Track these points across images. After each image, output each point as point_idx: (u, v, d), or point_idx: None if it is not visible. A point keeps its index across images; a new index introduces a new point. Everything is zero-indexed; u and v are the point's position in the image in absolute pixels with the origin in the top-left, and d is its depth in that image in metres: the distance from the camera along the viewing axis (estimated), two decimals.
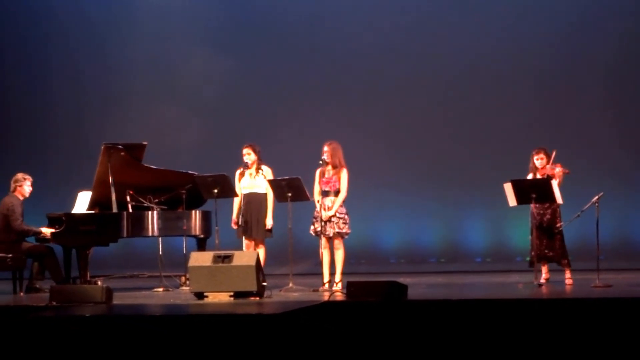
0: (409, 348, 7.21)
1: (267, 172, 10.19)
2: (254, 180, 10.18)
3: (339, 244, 9.83)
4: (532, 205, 9.76)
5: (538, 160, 9.87)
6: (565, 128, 12.95)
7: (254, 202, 10.14)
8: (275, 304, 8.42)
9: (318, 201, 9.83)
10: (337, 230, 9.77)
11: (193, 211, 10.56)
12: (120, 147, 10.15)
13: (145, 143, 10.30)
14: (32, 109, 14.55)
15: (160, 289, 10.20)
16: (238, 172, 10.28)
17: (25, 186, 10.37)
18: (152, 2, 14.49)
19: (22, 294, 10.07)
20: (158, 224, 10.19)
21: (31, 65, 14.63)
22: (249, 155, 10.18)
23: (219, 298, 8.76)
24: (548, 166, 9.78)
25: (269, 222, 10.14)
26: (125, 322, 7.20)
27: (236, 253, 8.97)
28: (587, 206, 9.55)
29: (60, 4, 14.61)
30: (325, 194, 9.82)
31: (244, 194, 10.18)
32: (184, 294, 9.68)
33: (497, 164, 12.85)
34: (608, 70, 13.22)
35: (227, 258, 8.88)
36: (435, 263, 13.60)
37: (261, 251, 9.92)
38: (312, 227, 9.91)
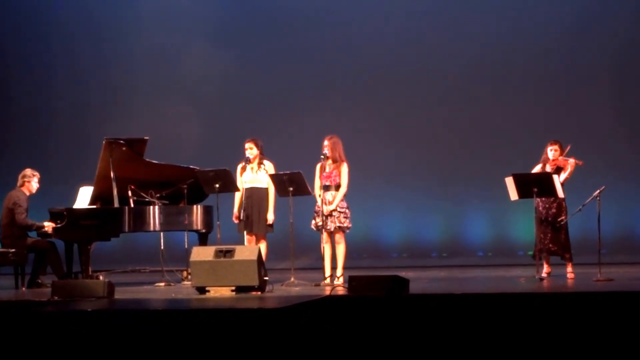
0: (411, 342, 7.21)
1: (269, 166, 10.19)
2: (255, 174, 10.17)
3: (340, 239, 9.83)
4: (537, 199, 9.77)
5: (552, 151, 9.89)
6: (568, 122, 12.93)
7: (255, 196, 10.14)
8: (277, 298, 8.42)
9: (319, 196, 9.83)
10: (338, 224, 9.77)
11: (194, 206, 10.56)
12: (121, 142, 10.15)
13: (146, 138, 10.29)
14: (34, 104, 14.56)
15: (162, 284, 10.21)
16: (240, 166, 10.27)
17: (33, 182, 10.40)
18: None
19: (24, 289, 10.09)
20: (159, 219, 10.19)
21: (33, 61, 14.63)
22: (251, 150, 10.17)
23: (220, 293, 8.76)
24: (561, 157, 9.79)
25: (270, 217, 10.14)
26: (127, 317, 7.20)
27: (238, 248, 8.98)
28: (588, 200, 9.55)
29: None
30: (326, 188, 9.82)
31: (246, 189, 10.17)
32: (185, 289, 9.69)
33: (498, 158, 12.86)
34: (612, 64, 13.21)
35: (229, 253, 8.88)
36: (437, 257, 13.60)
37: (262, 246, 9.91)
38: (313, 222, 9.91)
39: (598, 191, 9.46)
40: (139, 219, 10.12)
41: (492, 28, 13.55)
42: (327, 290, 8.81)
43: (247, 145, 10.20)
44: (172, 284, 10.24)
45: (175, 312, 7.51)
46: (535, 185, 9.52)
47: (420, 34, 13.74)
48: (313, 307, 7.68)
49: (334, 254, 9.85)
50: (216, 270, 8.81)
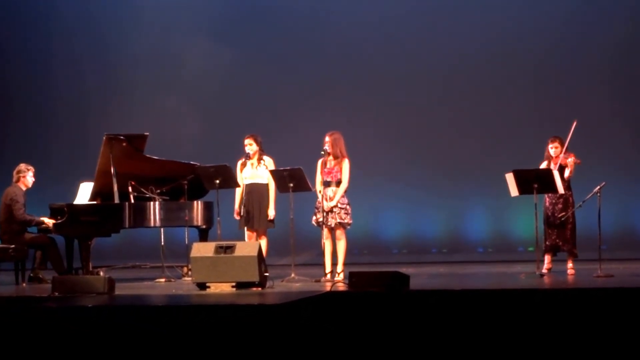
0: (411, 338, 7.22)
1: (269, 162, 10.19)
2: (255, 170, 10.17)
3: (340, 235, 9.82)
4: (545, 196, 9.77)
5: (553, 149, 9.90)
6: (569, 118, 12.83)
7: (255, 192, 10.13)
8: (277, 294, 8.43)
9: (320, 191, 9.83)
10: (338, 220, 9.77)
11: (195, 202, 10.56)
12: (122, 137, 10.15)
13: (146, 134, 10.29)
14: (34, 100, 14.56)
15: (162, 280, 10.21)
16: (240, 162, 10.27)
17: (28, 177, 10.39)
18: None
19: (24, 284, 10.08)
20: (160, 215, 10.19)
21: (33, 57, 14.62)
22: (250, 146, 10.17)
23: (221, 288, 8.76)
24: (561, 155, 9.80)
25: (271, 213, 10.14)
26: (127, 313, 7.20)
27: (238, 244, 8.97)
28: (589, 196, 9.55)
29: None
30: (326, 184, 9.82)
31: (246, 185, 10.17)
32: (186, 285, 9.69)
33: (499, 155, 12.85)
34: (611, 61, 13.19)
35: (229, 249, 8.88)
36: (437, 253, 13.60)
37: (263, 242, 9.91)
38: (314, 218, 9.91)
39: (598, 187, 9.46)
40: (139, 215, 10.12)
41: (493, 25, 13.53)
42: (328, 286, 8.80)
43: (247, 141, 10.20)
44: (172, 280, 10.23)
45: (176, 308, 7.50)
46: (536, 181, 9.52)
47: (421, 30, 13.71)
48: (313, 303, 7.69)
49: (335, 250, 9.85)
50: (216, 266, 8.81)
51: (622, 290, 7.85)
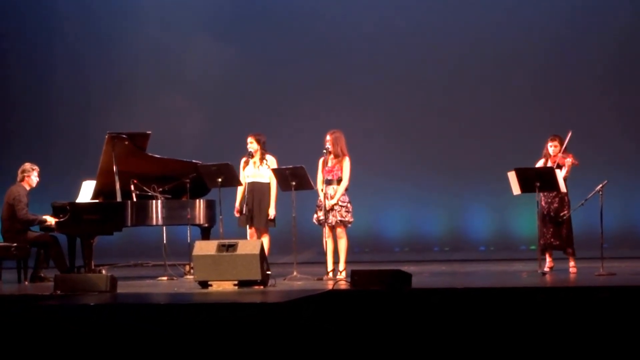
0: (413, 336, 7.22)
1: (272, 161, 10.19)
2: (257, 169, 10.18)
3: (341, 233, 9.83)
4: (540, 194, 9.76)
5: (552, 147, 9.89)
6: (569, 116, 12.90)
7: (257, 191, 10.14)
8: (279, 292, 8.43)
9: (321, 190, 9.84)
10: (339, 218, 9.77)
11: (197, 200, 10.56)
12: (124, 136, 10.15)
13: (149, 132, 10.29)
14: (36, 98, 14.56)
15: (165, 278, 10.22)
16: (243, 160, 10.28)
17: (32, 176, 10.40)
18: None
19: (26, 283, 10.10)
20: (162, 213, 10.20)
21: (34, 56, 14.63)
22: (252, 145, 10.18)
23: (223, 287, 8.76)
24: (560, 155, 9.79)
25: (272, 212, 10.14)
26: (129, 311, 7.21)
27: (240, 242, 8.97)
28: (591, 194, 9.54)
29: None
30: (328, 182, 9.82)
31: (248, 183, 10.18)
32: (188, 283, 9.70)
33: (500, 153, 12.85)
34: (611, 57, 13.18)
35: (231, 247, 8.88)
36: (439, 252, 13.60)
37: (265, 240, 9.92)
38: (315, 216, 9.92)
39: (600, 185, 9.45)
40: (142, 213, 10.12)
41: (493, 22, 13.53)
42: (330, 285, 8.81)
43: (249, 140, 10.22)
44: (174, 278, 10.24)
45: (178, 306, 7.51)
46: (538, 180, 9.52)
47: (422, 29, 13.71)
48: (315, 301, 7.69)
49: (336, 249, 9.86)
50: (219, 264, 8.81)
51: (623, 288, 7.85)
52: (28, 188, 10.36)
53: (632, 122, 13.09)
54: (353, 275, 8.36)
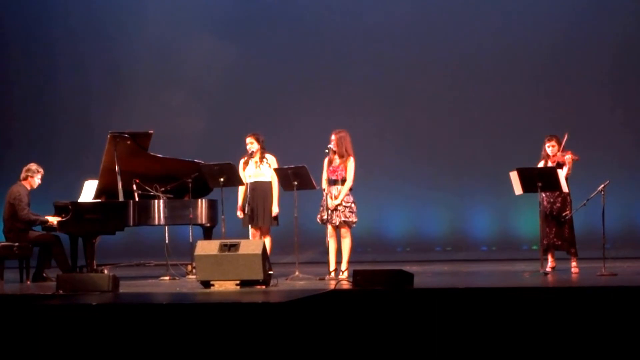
0: (415, 336, 7.22)
1: (272, 160, 10.20)
2: (258, 169, 10.18)
3: (345, 233, 9.83)
4: (542, 194, 9.75)
5: (549, 147, 9.89)
6: (571, 116, 12.91)
7: (259, 190, 10.14)
8: (281, 292, 8.42)
9: (325, 189, 9.83)
10: (343, 219, 9.77)
11: (199, 200, 10.57)
12: (126, 135, 10.16)
13: (151, 132, 10.30)
14: (39, 98, 14.58)
15: (167, 278, 10.22)
16: (242, 160, 10.28)
17: (35, 178, 10.39)
18: None
19: (29, 282, 10.10)
20: (164, 213, 10.20)
21: (36, 55, 14.65)
22: (251, 144, 10.19)
23: (225, 286, 8.76)
24: (559, 153, 9.79)
25: (275, 210, 10.14)
26: (131, 311, 7.21)
27: (242, 242, 8.97)
28: (593, 194, 9.53)
29: None
30: (332, 182, 9.83)
31: (249, 183, 10.18)
32: (190, 283, 9.71)
33: (502, 153, 12.86)
34: (614, 57, 13.19)
35: (234, 247, 8.88)
36: (441, 251, 13.61)
37: (267, 240, 9.93)
38: (319, 215, 9.91)
39: (603, 185, 9.44)
40: (144, 213, 10.13)
41: (495, 22, 13.54)
42: (332, 285, 8.81)
43: (248, 139, 10.22)
44: (176, 277, 10.24)
45: (180, 306, 7.50)
46: (540, 180, 9.51)
47: (424, 30, 13.72)
48: (317, 301, 7.69)
49: (339, 248, 9.85)
50: (221, 264, 8.81)
51: (625, 288, 7.84)
52: (29, 188, 10.36)
53: (635, 122, 13.09)
54: (355, 275, 8.35)
